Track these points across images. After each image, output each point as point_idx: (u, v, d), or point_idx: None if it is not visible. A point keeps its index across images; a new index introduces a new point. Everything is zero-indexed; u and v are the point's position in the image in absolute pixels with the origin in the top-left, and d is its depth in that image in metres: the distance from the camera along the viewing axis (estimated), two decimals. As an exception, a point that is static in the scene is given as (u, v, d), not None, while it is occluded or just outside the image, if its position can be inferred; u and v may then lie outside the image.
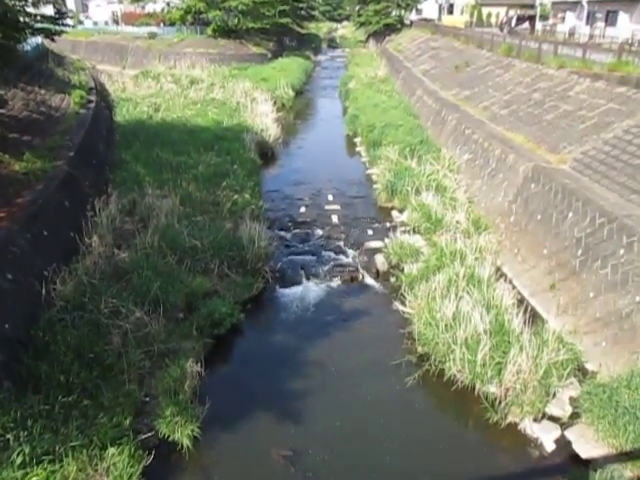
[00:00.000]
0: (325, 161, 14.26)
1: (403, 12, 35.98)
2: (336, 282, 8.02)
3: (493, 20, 28.90)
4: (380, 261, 8.36)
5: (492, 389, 5.48)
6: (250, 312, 7.11)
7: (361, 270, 8.26)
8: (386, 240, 8.76)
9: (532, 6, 26.79)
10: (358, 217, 10.34)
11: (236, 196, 9.51)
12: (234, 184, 10.18)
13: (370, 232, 9.60)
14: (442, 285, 6.70)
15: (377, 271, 8.23)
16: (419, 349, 6.28)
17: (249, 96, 17.77)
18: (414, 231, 8.98)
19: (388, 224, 9.85)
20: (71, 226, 7.23)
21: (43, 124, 9.72)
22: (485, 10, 29.59)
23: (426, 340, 6.17)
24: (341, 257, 8.76)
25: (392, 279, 8.00)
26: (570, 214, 7.10)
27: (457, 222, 8.70)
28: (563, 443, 5.03)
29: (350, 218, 10.30)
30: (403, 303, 6.92)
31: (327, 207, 10.87)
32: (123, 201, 8.60)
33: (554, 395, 5.35)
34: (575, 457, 4.85)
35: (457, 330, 5.88)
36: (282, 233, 9.52)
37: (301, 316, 7.19)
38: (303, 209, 10.74)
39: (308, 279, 8.03)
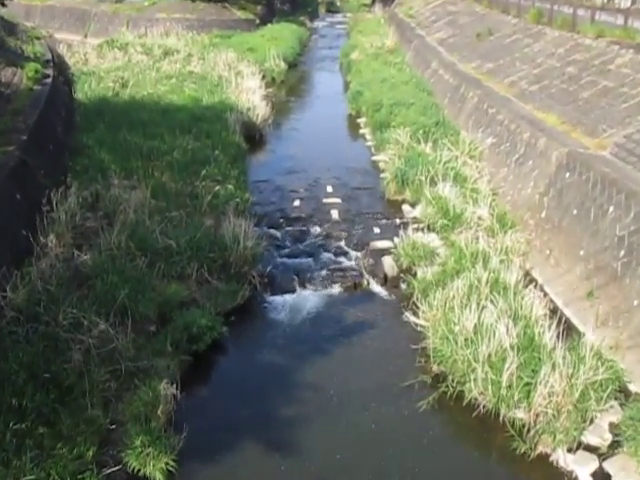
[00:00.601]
0: (323, 145, 14.29)
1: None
2: (336, 289, 8.05)
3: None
4: (388, 264, 8.39)
5: (519, 414, 5.49)
6: (234, 325, 7.12)
7: (366, 275, 8.29)
8: (396, 239, 8.78)
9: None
10: (362, 212, 10.35)
11: (218, 187, 9.53)
12: (215, 173, 10.20)
13: (377, 230, 9.63)
14: (461, 292, 6.73)
15: (385, 276, 8.26)
16: (434, 368, 6.30)
17: (233, 69, 17.72)
18: (429, 229, 9.01)
19: (398, 220, 9.87)
20: (23, 223, 7.20)
21: (-10, 102, 9.76)
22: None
23: (442, 357, 6.20)
24: (342, 260, 8.78)
25: (403, 285, 8.02)
26: (611, 208, 7.10)
27: (479, 218, 8.74)
28: (601, 476, 5.03)
29: (353, 213, 10.31)
30: (415, 314, 6.94)
31: (326, 200, 10.88)
32: (85, 193, 8.58)
33: (591, 421, 5.34)
34: (616, 493, 4.90)
35: (479, 345, 5.91)
36: (272, 231, 9.53)
37: (295, 330, 7.21)
38: (297, 203, 10.75)
39: (303, 286, 8.06)
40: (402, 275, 8.11)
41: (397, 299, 7.82)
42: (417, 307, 7.01)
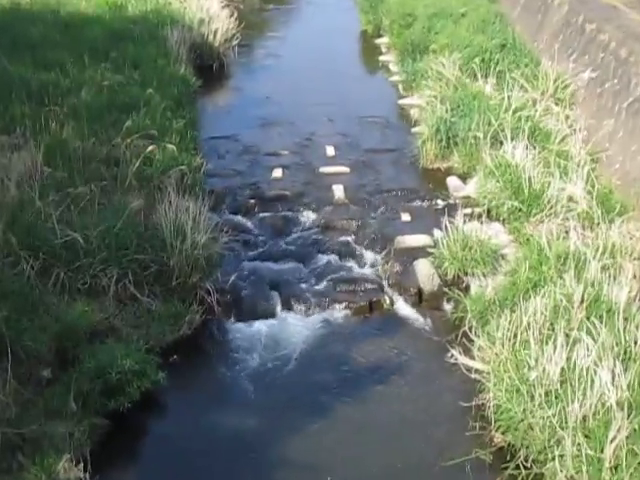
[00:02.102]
0: (321, 82, 14.30)
1: None
2: (341, 313, 8.08)
3: None
4: (425, 273, 8.41)
5: (632, 513, 5.55)
6: (177, 369, 7.15)
7: (389, 290, 8.34)
8: (436, 233, 8.82)
9: None
10: (383, 189, 10.39)
11: (151, 147, 9.50)
12: (147, 125, 10.19)
13: (406, 218, 9.65)
14: (541, 318, 6.73)
15: (419, 292, 8.29)
16: (496, 438, 6.35)
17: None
18: (490, 216, 9.06)
19: (440, 202, 9.92)
20: None
21: None
22: None
23: (510, 421, 6.22)
24: (350, 265, 8.81)
25: (447, 306, 8.08)
26: None
27: (570, 199, 8.74)
28: None
29: (368, 191, 10.35)
30: (467, 351, 7.00)
31: (324, 170, 10.93)
32: None
33: None
34: None
35: (568, 402, 5.92)
36: (239, 219, 9.58)
37: (274, 378, 7.23)
38: (278, 173, 10.81)
39: (287, 307, 8.10)
40: (446, 290, 8.15)
41: (438, 328, 7.85)
42: (470, 341, 7.05)
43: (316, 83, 14.22)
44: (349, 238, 9.24)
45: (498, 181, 9.23)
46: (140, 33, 13.33)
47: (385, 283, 8.40)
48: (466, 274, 8.17)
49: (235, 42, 15.03)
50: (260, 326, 7.86)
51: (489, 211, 9.10)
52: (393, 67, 14.64)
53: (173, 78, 12.20)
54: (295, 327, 7.87)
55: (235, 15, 15.48)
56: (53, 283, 7.23)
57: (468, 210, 9.21)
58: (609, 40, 10.87)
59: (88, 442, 6.04)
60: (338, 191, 10.26)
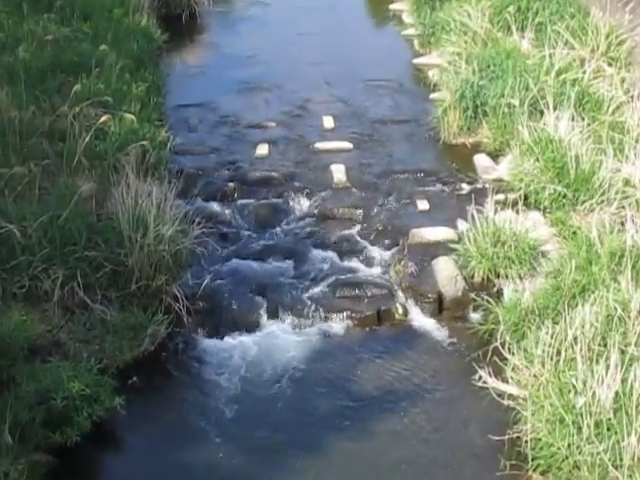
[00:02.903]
0: (317, 36, 14.36)
1: None
2: (342, 324, 8.13)
3: None
4: (446, 274, 8.43)
5: None
6: (138, 393, 7.18)
7: (401, 296, 8.38)
8: (460, 225, 8.88)
9: None
10: (394, 170, 10.44)
11: (105, 118, 9.45)
12: (100, 90, 10.19)
13: (422, 206, 9.69)
14: (590, 330, 6.73)
15: (439, 298, 8.32)
16: (535, 479, 6.35)
17: None
18: (526, 203, 9.09)
19: (465, 186, 9.99)
20: None
21: None
22: None
23: (552, 459, 6.20)
24: (353, 265, 8.86)
25: (474, 315, 8.13)
26: None
27: (626, 183, 8.76)
28: None
29: (375, 172, 10.39)
30: (499, 372, 6.99)
31: (320, 146, 11.00)
32: None
33: None
34: None
35: (623, 435, 5.90)
36: (213, 207, 9.64)
37: (257, 406, 7.25)
38: (263, 150, 10.85)
39: (274, 317, 8.13)
40: (473, 295, 8.18)
41: (463, 343, 7.88)
42: (503, 359, 7.04)
43: (311, 38, 14.25)
44: (352, 231, 9.27)
45: (537, 160, 9.25)
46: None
47: (397, 287, 8.42)
48: (498, 276, 8.19)
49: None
50: (241, 341, 7.87)
51: (526, 197, 9.10)
52: (407, 18, 14.63)
53: (132, 31, 12.20)
54: (285, 343, 7.87)
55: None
56: (-18, 286, 7.28)
57: (500, 196, 9.20)
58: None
59: (27, 485, 6.08)
60: (338, 172, 10.27)
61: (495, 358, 7.11)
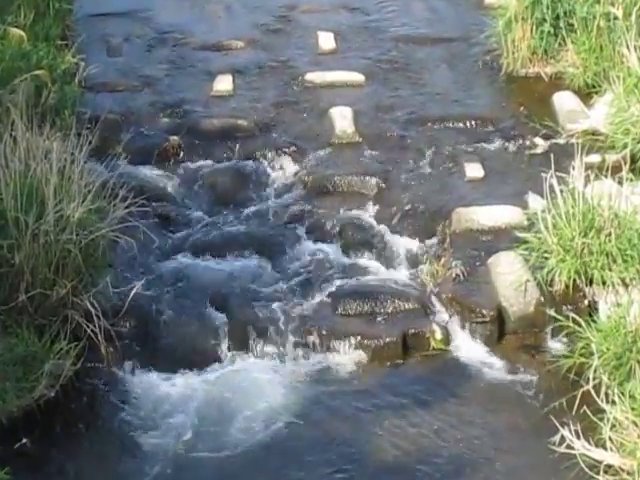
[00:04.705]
0: None
1: None
2: (347, 357, 8.11)
3: None
4: (511, 279, 8.43)
5: None
6: (31, 463, 7.12)
7: (440, 312, 8.38)
8: (532, 201, 8.97)
9: None
10: (428, 116, 10.57)
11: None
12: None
13: (473, 172, 9.78)
14: None
15: (499, 315, 8.30)
16: None
17: None
18: (635, 168, 9.14)
19: (539, 141, 10.11)
20: None
21: None
22: None
23: None
24: (366, 265, 8.91)
25: (553, 343, 8.17)
26: None
27: None
28: None
29: (400, 119, 10.52)
30: (591, 430, 6.87)
31: (314, 77, 11.20)
32: None
33: None
34: None
35: None
36: (148, 173, 9.76)
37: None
38: (225, 84, 11.04)
39: (242, 347, 8.14)
40: (552, 312, 8.14)
41: (535, 385, 7.86)
42: (597, 411, 6.90)
43: None
44: (363, 212, 9.36)
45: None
46: None
47: (433, 300, 8.41)
48: (590, 282, 8.16)
49: None
50: (188, 383, 7.82)
51: (634, 159, 9.18)
52: None
53: None
54: (256, 386, 7.81)
55: None
56: None
57: (594, 157, 9.34)
58: None
59: None
60: (342, 119, 10.35)
61: (585, 409, 6.98)
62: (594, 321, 7.79)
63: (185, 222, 9.24)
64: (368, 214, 9.31)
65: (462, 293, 8.42)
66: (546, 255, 8.31)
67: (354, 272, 8.76)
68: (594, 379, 7.14)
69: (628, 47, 9.77)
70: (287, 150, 9.98)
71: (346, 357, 8.06)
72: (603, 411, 6.83)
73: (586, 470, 6.64)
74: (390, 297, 8.42)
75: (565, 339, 8.00)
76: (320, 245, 9.03)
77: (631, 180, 8.84)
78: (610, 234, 8.16)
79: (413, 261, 8.84)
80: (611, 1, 10.31)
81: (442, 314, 8.33)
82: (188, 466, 7.36)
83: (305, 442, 7.49)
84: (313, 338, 8.13)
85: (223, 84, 10.82)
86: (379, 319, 8.28)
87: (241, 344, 8.09)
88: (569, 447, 6.76)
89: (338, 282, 8.60)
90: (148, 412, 7.67)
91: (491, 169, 9.72)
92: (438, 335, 8.17)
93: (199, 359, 8.01)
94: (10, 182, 7.86)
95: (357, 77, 10.94)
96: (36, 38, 9.84)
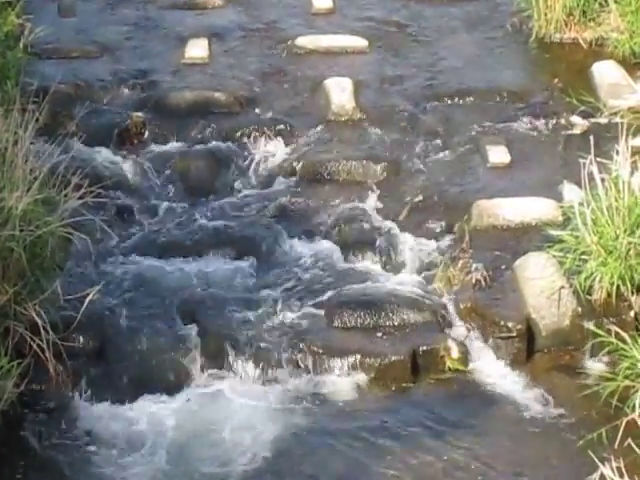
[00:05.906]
0: None
1: None
2: (346, 379, 8.11)
3: None
4: (542, 285, 8.46)
5: None
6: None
7: (457, 326, 8.42)
8: (567, 192, 9.05)
9: None
10: (445, 89, 10.72)
11: None
12: None
13: (496, 156, 9.84)
14: None
15: (528, 328, 8.33)
16: None
17: None
18: None
19: (576, 120, 10.20)
20: None
21: None
22: None
23: None
24: (368, 268, 8.98)
25: (591, 363, 8.17)
26: None
27: None
28: None
29: (410, 92, 10.68)
30: (637, 468, 6.77)
31: (306, 42, 11.41)
32: None
33: None
34: None
35: None
36: (107, 156, 9.86)
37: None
38: (199, 50, 11.22)
39: (216, 364, 8.15)
40: (591, 326, 8.15)
41: (570, 413, 7.86)
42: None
43: None
44: (365, 204, 9.41)
45: None
46: None
47: (449, 310, 8.43)
48: (637, 289, 8.19)
49: None
50: (154, 410, 7.83)
51: None
52: None
53: None
54: (235, 413, 7.85)
55: None
56: None
57: None
58: None
59: None
60: (340, 92, 10.43)
61: (630, 442, 6.98)
62: (641, 337, 7.85)
63: (150, 216, 9.28)
64: (371, 207, 9.34)
65: (483, 303, 8.43)
66: (584, 257, 8.31)
67: (353, 277, 8.79)
68: (640, 407, 7.25)
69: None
70: (273, 129, 10.03)
71: (343, 379, 8.06)
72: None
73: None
74: (397, 307, 8.44)
75: (606, 358, 8.02)
76: (313, 244, 9.07)
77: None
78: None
79: (425, 264, 8.87)
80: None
81: (459, 328, 8.36)
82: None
83: (289, 473, 7.47)
84: (303, 356, 8.12)
85: (197, 50, 10.87)
86: (383, 334, 8.28)
87: (216, 363, 8.10)
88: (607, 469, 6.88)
89: (334, 289, 8.63)
90: (105, 446, 7.65)
91: (519, 154, 9.75)
92: (454, 353, 8.19)
93: (167, 381, 8.03)
94: None
95: (358, 42, 10.98)
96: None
